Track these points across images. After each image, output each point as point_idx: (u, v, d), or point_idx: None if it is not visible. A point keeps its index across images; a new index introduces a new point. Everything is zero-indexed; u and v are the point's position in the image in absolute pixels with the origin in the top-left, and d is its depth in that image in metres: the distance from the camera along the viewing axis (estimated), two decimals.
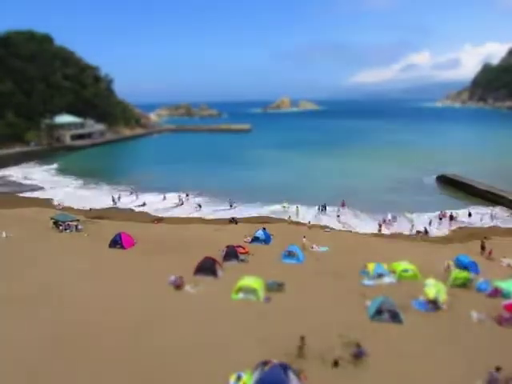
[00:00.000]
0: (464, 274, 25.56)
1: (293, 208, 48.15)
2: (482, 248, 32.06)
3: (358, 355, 16.58)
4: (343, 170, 73.88)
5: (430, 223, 41.44)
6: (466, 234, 38.94)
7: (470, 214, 44.34)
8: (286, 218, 43.65)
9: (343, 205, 49.22)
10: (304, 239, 33.75)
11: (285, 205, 48.64)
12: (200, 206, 50.04)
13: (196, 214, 47.50)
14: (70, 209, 48.81)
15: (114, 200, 53.71)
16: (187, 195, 55.89)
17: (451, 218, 43.44)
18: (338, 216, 46.09)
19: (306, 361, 16.43)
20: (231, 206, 48.66)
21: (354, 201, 51.40)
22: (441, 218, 43.96)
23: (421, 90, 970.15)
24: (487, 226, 41.81)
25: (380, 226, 40.76)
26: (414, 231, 39.85)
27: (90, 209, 49.83)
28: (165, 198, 55.40)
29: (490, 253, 31.33)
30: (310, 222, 41.77)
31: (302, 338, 16.96)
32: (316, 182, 63.74)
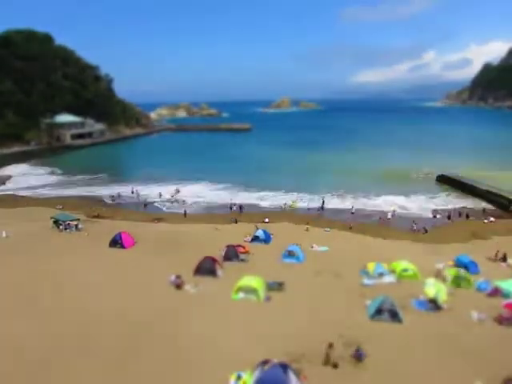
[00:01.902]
0: (462, 273, 25.59)
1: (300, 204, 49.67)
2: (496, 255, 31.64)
3: (358, 357, 16.54)
4: (342, 167, 73.90)
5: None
6: (466, 234, 38.93)
7: (468, 216, 44.31)
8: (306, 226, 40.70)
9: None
10: None
11: (291, 202, 49.25)
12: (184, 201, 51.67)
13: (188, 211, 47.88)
14: (71, 208, 48.75)
15: (113, 199, 53.88)
16: (178, 191, 57.53)
17: (460, 214, 43.55)
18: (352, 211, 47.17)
19: (305, 360, 16.42)
20: (231, 208, 48.66)
21: (352, 199, 51.68)
22: (449, 218, 44.01)
23: (428, 89, 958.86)
24: (486, 225, 41.79)
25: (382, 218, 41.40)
26: (414, 228, 40.05)
27: (96, 212, 47.97)
28: (160, 195, 55.85)
29: (496, 256, 31.23)
30: (307, 227, 40.53)
31: (331, 345, 16.64)
32: (316, 180, 63.73)
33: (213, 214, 47.00)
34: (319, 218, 45.49)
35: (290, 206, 48.86)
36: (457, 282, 25.03)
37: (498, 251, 31.24)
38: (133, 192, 57.82)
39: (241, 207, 48.98)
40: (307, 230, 39.51)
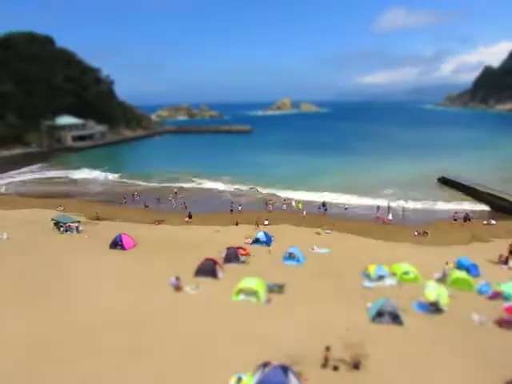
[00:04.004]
0: (464, 275, 25.56)
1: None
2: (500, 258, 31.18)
3: (357, 364, 16.39)
4: (343, 169, 73.96)
5: None
6: (467, 236, 38.86)
7: (468, 218, 44.21)
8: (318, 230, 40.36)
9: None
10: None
11: (296, 203, 49.76)
12: (186, 206, 50.82)
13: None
14: (71, 210, 48.76)
15: (120, 203, 53.98)
16: (176, 193, 57.50)
17: (465, 219, 43.42)
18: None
19: (306, 362, 16.39)
20: (232, 210, 48.65)
21: (353, 200, 51.76)
22: (455, 219, 43.93)
23: (432, 91, 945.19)
24: (487, 228, 41.74)
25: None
26: (415, 231, 40.00)
27: (97, 213, 47.01)
28: (159, 200, 55.82)
29: (499, 259, 31.10)
30: (319, 230, 39.99)
31: (328, 348, 16.60)
32: (316, 182, 63.75)
33: (213, 216, 46.97)
34: (320, 219, 45.42)
35: (298, 207, 49.25)
36: (458, 284, 25.00)
37: (501, 254, 31.17)
38: (133, 194, 57.94)
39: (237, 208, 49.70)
40: (318, 233, 39.17)
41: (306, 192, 57.32)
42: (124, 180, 71.01)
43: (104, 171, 77.59)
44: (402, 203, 50.75)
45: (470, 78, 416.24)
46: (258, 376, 14.79)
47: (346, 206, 49.35)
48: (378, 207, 48.30)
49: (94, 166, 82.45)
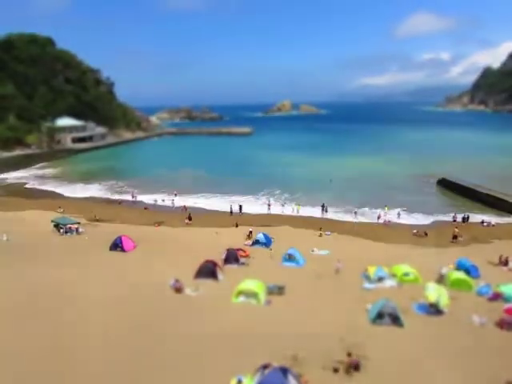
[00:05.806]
0: (464, 277, 25.54)
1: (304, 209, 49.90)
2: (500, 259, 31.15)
3: (357, 366, 16.29)
4: (344, 171, 73.96)
5: None
6: (466, 238, 38.85)
7: (468, 218, 44.28)
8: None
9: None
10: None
11: (297, 206, 49.79)
12: (186, 208, 50.59)
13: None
14: (71, 211, 48.77)
15: (119, 202, 54.10)
16: (176, 194, 57.19)
17: (463, 220, 43.56)
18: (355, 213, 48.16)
19: (306, 364, 16.35)
20: (231, 212, 48.69)
21: (353, 201, 51.72)
22: (454, 220, 44.00)
23: (434, 92, 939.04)
24: (487, 229, 41.73)
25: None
26: (415, 231, 40.06)
27: (95, 215, 46.79)
28: (162, 200, 55.82)
29: (500, 260, 31.07)
30: (321, 232, 40.01)
31: (349, 354, 16.60)
32: (317, 183, 63.78)
33: (213, 218, 46.97)
34: (320, 221, 45.44)
35: (296, 208, 49.35)
36: (458, 285, 24.99)
37: (501, 255, 31.15)
38: (133, 196, 57.99)
39: (240, 208, 49.72)
40: (320, 235, 39.11)
41: (306, 195, 57.24)
42: (124, 181, 70.97)
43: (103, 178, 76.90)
44: (402, 205, 50.70)
45: (473, 79, 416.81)
46: (257, 378, 14.75)
47: (347, 208, 49.29)
48: (382, 211, 48.02)
49: (93, 167, 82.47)
